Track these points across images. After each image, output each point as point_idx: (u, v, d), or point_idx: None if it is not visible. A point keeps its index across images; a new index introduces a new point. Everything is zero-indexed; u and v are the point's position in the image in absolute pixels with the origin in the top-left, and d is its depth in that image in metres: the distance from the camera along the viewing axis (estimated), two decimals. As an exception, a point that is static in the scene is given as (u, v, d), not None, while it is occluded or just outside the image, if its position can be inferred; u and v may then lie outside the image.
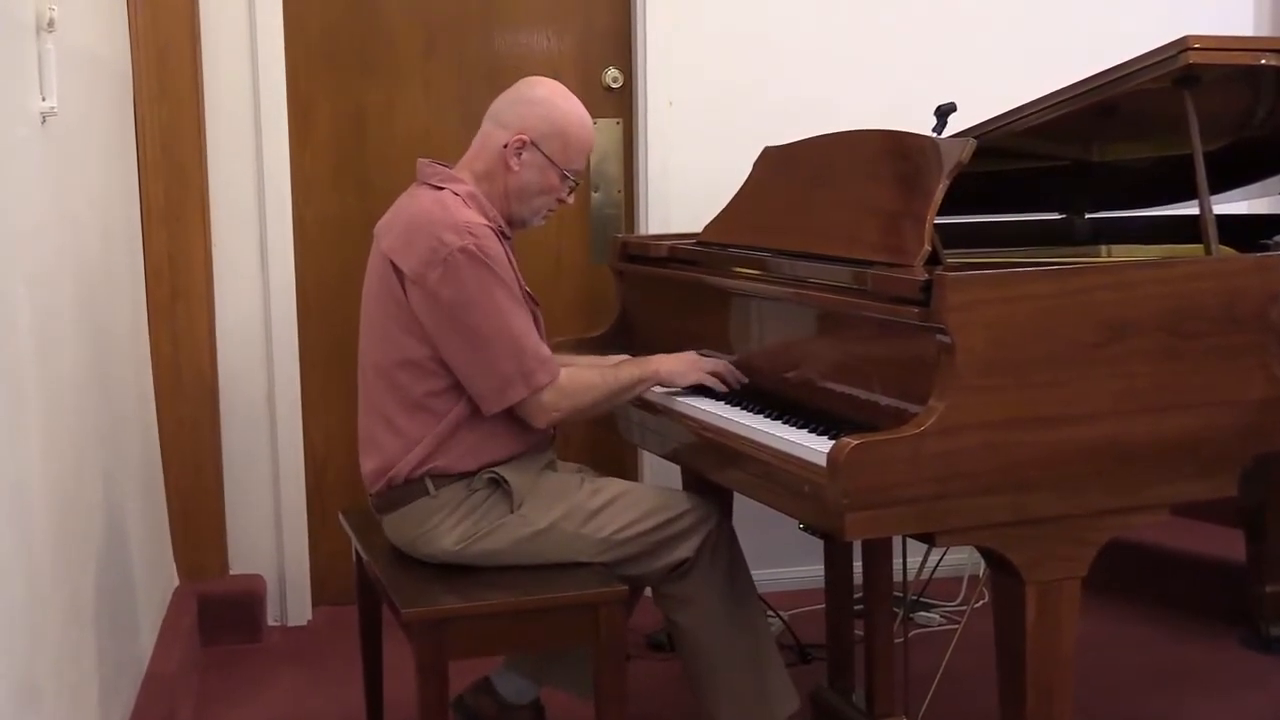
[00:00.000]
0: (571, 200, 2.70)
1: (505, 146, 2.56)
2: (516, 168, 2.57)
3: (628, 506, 2.54)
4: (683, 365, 2.65)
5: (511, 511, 2.49)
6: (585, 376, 2.57)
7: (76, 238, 2.48)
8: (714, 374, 2.64)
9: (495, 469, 2.50)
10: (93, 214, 2.69)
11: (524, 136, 2.56)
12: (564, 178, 2.62)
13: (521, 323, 2.47)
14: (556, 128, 2.58)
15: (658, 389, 2.67)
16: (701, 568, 2.54)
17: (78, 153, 2.55)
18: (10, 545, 1.83)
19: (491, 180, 2.58)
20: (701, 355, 2.70)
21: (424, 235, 2.45)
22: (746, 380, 2.64)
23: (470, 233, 2.44)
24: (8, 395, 1.85)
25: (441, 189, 2.54)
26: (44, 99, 2.17)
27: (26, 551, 1.91)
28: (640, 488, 2.70)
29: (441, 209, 2.49)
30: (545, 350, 2.50)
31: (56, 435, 2.16)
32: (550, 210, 2.67)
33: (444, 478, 2.50)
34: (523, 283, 2.54)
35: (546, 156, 2.58)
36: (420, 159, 2.64)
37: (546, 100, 2.61)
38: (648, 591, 2.66)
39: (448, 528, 2.48)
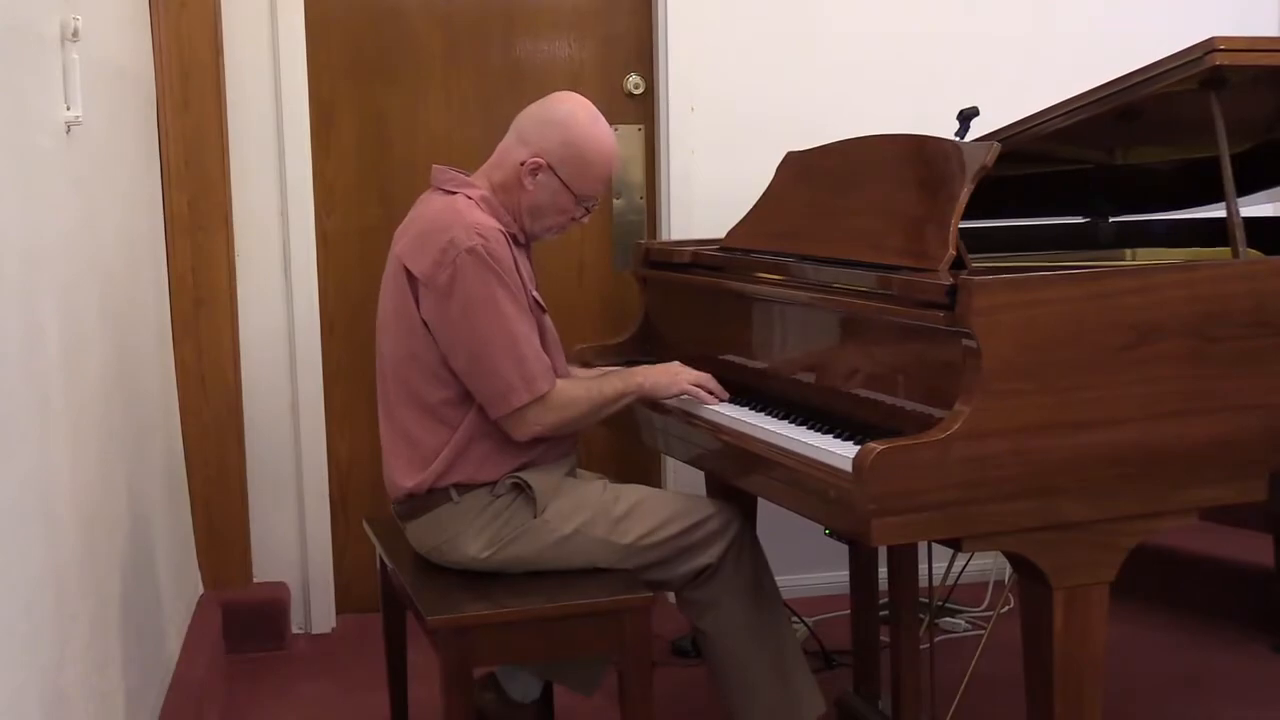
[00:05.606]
0: (586, 221, 2.67)
1: (521, 165, 2.54)
2: (530, 187, 2.54)
3: (650, 512, 2.54)
4: (666, 377, 2.62)
5: (535, 517, 2.49)
6: (571, 391, 2.53)
7: (101, 247, 2.49)
8: (697, 384, 2.62)
9: (518, 474, 2.50)
10: (117, 224, 2.70)
11: (540, 160, 2.53)
12: (578, 202, 2.59)
13: (523, 328, 2.46)
14: (575, 153, 2.54)
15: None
16: (725, 573, 2.54)
17: (102, 162, 2.56)
18: (38, 553, 1.83)
19: (507, 192, 2.57)
20: (684, 365, 2.66)
21: (435, 238, 2.45)
22: (727, 395, 2.61)
23: (479, 234, 2.43)
24: (35, 404, 1.86)
25: (454, 194, 2.54)
26: (68, 109, 2.18)
27: (54, 560, 1.91)
28: (662, 494, 2.69)
29: (453, 212, 2.49)
30: (546, 360, 2.49)
31: (83, 444, 2.16)
32: (563, 228, 2.65)
33: (467, 486, 2.50)
34: (530, 289, 2.52)
35: (562, 181, 2.54)
36: (435, 165, 2.64)
37: (569, 123, 2.55)
38: (671, 597, 2.65)
39: (472, 534, 2.48)
